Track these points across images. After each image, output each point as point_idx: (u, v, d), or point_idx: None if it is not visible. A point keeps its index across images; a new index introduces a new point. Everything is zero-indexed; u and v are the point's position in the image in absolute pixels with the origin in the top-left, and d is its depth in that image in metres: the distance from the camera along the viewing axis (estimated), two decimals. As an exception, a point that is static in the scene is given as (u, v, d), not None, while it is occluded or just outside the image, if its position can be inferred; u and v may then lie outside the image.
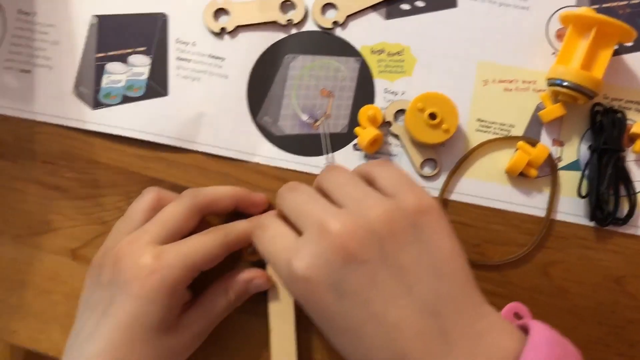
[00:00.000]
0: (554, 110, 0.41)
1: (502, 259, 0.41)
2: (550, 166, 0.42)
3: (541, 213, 0.41)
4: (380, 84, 0.43)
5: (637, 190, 0.41)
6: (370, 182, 0.34)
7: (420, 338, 0.28)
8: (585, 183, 0.41)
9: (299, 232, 0.32)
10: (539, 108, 0.42)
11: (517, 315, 0.37)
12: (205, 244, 0.36)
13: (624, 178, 0.41)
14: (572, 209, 0.41)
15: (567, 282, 0.41)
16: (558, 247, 0.41)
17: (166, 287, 0.34)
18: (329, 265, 0.29)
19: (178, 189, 0.42)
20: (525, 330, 0.30)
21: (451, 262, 0.30)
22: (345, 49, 0.43)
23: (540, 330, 0.29)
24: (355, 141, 0.42)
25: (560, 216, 0.41)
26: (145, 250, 0.35)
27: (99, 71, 0.43)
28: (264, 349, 0.41)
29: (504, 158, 0.42)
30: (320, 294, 0.29)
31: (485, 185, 0.42)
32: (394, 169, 0.34)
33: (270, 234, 0.33)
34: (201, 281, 0.37)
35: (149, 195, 0.39)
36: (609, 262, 0.41)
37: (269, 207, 0.41)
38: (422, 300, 0.29)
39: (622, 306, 0.40)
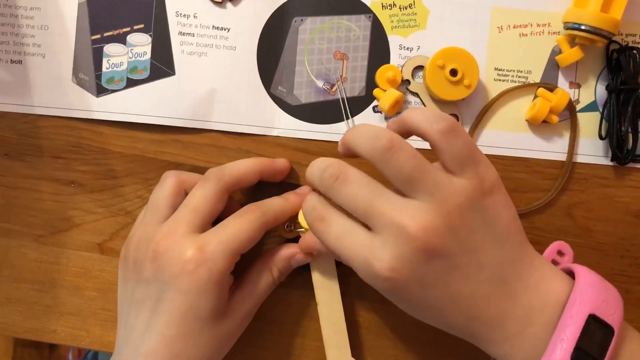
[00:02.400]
0: (571, 55, 0.41)
1: (528, 206, 0.42)
2: (569, 110, 0.42)
3: (562, 157, 0.42)
4: (394, 40, 0.42)
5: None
6: (409, 133, 0.33)
7: (490, 301, 0.31)
8: (604, 124, 0.42)
9: (364, 225, 0.32)
10: (554, 51, 0.42)
11: (560, 253, 0.38)
12: (244, 227, 0.36)
13: (642, 115, 0.41)
14: (591, 150, 0.42)
15: (590, 221, 0.42)
16: (580, 188, 0.42)
17: (214, 278, 0.34)
18: (413, 264, 0.30)
19: (198, 170, 0.41)
20: (570, 273, 0.33)
21: (510, 229, 0.32)
22: (355, 6, 0.41)
23: (584, 273, 0.32)
24: (374, 103, 0.42)
25: (580, 158, 0.42)
26: (185, 242, 0.34)
27: (98, 55, 0.40)
28: (304, 319, 0.41)
29: (524, 106, 0.42)
30: (404, 288, 0.30)
31: (507, 135, 0.42)
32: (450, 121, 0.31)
33: (336, 231, 0.32)
34: (240, 260, 0.36)
35: (170, 180, 0.38)
36: (629, 198, 0.42)
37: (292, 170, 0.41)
38: (491, 272, 0.31)
39: (642, 238, 0.42)
